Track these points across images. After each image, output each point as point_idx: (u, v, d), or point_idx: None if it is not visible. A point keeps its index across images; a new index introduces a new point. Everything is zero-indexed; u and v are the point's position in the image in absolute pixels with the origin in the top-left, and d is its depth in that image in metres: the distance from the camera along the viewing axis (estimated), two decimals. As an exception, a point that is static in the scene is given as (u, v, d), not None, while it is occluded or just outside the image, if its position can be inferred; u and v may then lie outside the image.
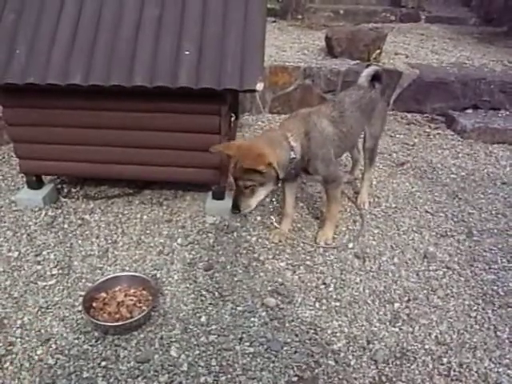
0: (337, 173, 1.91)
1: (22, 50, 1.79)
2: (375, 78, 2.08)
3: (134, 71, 1.73)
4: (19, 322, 1.56)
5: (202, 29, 1.80)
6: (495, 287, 1.76)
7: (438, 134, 3.10)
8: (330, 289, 1.72)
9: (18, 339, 1.50)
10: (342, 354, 1.46)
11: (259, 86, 1.70)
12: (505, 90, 3.21)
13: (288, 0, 4.91)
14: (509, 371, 1.42)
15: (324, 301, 1.67)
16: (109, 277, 1.69)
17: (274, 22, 4.75)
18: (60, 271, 1.78)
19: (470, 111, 3.25)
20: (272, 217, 2.10)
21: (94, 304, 1.60)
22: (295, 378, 1.38)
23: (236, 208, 1.66)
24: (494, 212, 2.23)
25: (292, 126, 1.77)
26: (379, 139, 2.23)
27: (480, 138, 2.99)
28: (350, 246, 1.96)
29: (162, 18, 1.83)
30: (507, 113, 3.23)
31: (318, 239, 1.96)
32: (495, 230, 2.09)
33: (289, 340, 1.50)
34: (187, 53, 1.74)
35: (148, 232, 2.01)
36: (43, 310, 1.61)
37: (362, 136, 2.17)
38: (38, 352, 1.45)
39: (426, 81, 3.23)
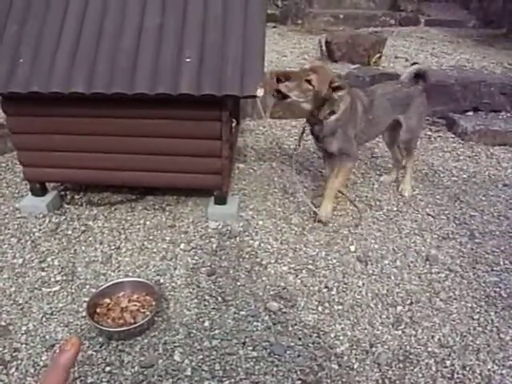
0: (351, 150, 2.05)
1: (26, 59, 1.82)
2: (419, 76, 2.23)
3: (136, 79, 1.75)
4: (24, 328, 1.57)
5: (203, 36, 1.82)
6: (498, 289, 1.76)
7: (439, 136, 3.10)
8: (333, 292, 1.73)
9: (23, 345, 1.51)
10: (345, 358, 1.47)
11: (260, 92, 1.71)
12: (505, 92, 3.22)
13: (288, 5, 4.95)
14: (512, 373, 1.42)
15: (327, 304, 1.67)
16: (112, 282, 1.70)
17: (274, 27, 4.79)
18: (64, 277, 1.80)
19: (470, 114, 3.26)
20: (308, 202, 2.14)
21: (98, 310, 1.61)
22: (299, 382, 1.38)
23: None
24: (495, 214, 2.23)
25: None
26: (417, 133, 2.38)
27: (481, 140, 3.00)
28: (353, 249, 1.96)
29: (163, 26, 1.85)
30: (508, 115, 3.24)
31: (319, 215, 2.09)
32: (497, 232, 2.09)
33: (292, 344, 1.51)
34: (188, 60, 1.76)
35: (151, 238, 2.02)
36: (48, 316, 1.62)
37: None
38: (43, 358, 1.46)
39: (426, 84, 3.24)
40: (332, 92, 1.86)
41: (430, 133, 3.15)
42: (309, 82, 1.86)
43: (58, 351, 0.53)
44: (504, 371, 1.43)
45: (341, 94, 1.88)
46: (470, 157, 2.83)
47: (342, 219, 2.16)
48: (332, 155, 2.12)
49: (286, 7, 4.96)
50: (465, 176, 2.59)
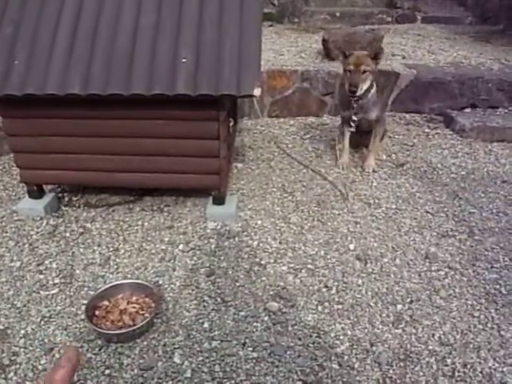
0: (384, 116, 2.62)
1: (21, 61, 1.80)
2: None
3: (132, 79, 1.74)
4: (22, 331, 1.56)
5: (199, 35, 1.81)
6: (498, 286, 1.75)
7: (437, 133, 3.10)
8: (333, 292, 1.72)
9: (22, 349, 1.50)
10: (346, 357, 1.46)
11: (257, 91, 1.70)
12: (502, 88, 3.22)
13: (284, 4, 4.94)
14: (513, 370, 1.42)
15: (326, 304, 1.67)
16: (111, 285, 1.69)
17: (271, 26, 4.77)
18: (62, 280, 1.79)
19: (468, 110, 3.25)
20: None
21: (97, 312, 1.60)
22: (299, 383, 1.37)
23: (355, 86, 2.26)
24: (494, 211, 2.22)
25: None
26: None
27: (479, 136, 2.99)
28: (352, 247, 1.96)
29: (158, 26, 1.84)
30: (506, 111, 3.23)
31: (366, 169, 2.56)
32: (496, 229, 2.09)
33: (292, 344, 1.50)
34: (184, 60, 1.75)
35: (149, 239, 2.01)
36: (46, 319, 1.61)
37: None
38: (42, 362, 1.45)
39: (424, 81, 3.24)
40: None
41: (427, 130, 3.14)
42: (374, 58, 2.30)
43: (52, 368, 0.46)
44: (505, 369, 1.43)
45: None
46: (468, 153, 2.82)
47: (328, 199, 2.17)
48: (370, 124, 2.51)
49: (282, 6, 4.95)
50: (463, 173, 2.58)
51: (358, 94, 2.29)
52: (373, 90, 2.39)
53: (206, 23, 1.82)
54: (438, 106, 3.30)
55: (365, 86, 2.30)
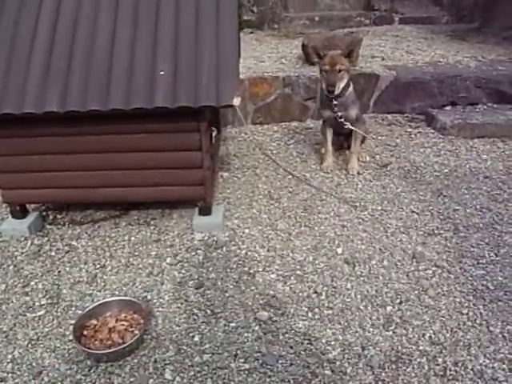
0: (362, 115, 2.70)
1: (-4, 80, 1.78)
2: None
3: (110, 94, 1.74)
4: (10, 356, 1.53)
5: (176, 47, 1.81)
6: (485, 282, 1.77)
7: (419, 132, 3.14)
8: (322, 297, 1.72)
9: (10, 374, 1.47)
10: (338, 363, 1.46)
11: (236, 101, 1.71)
12: (480, 85, 3.28)
13: (264, 11, 4.98)
14: (504, 366, 1.43)
15: (316, 310, 1.66)
16: (99, 303, 1.67)
17: (252, 33, 4.80)
18: (49, 301, 1.76)
19: (448, 108, 3.30)
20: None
21: (85, 332, 1.57)
22: (292, 391, 1.37)
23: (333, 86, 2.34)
24: (478, 207, 2.25)
25: None
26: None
27: (460, 133, 3.04)
28: (340, 251, 1.96)
29: (135, 39, 1.84)
30: (485, 107, 3.29)
31: (350, 171, 2.58)
32: (481, 225, 2.11)
33: (283, 353, 1.49)
34: (162, 73, 1.75)
35: (136, 254, 2.00)
36: (34, 342, 1.58)
37: None
38: (30, 386, 1.42)
39: (404, 81, 3.28)
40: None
41: (409, 129, 3.18)
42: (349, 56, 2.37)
43: None
44: (495, 364, 1.44)
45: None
46: (450, 151, 2.86)
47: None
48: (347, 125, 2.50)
49: (262, 12, 4.98)
50: (446, 170, 2.62)
51: (336, 92, 2.36)
52: (350, 89, 2.46)
53: (182, 34, 1.83)
54: (418, 106, 3.35)
55: (342, 85, 2.37)
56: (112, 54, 1.81)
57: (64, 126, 1.89)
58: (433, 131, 3.13)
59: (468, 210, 2.23)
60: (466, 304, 1.67)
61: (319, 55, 2.41)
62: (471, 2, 5.08)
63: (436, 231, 2.08)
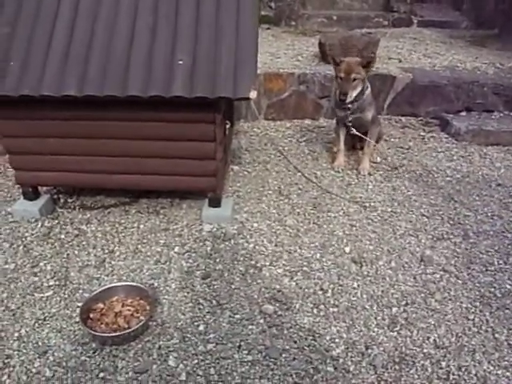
0: (378, 117, 2.68)
1: (17, 62, 1.80)
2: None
3: (128, 81, 1.74)
4: (16, 334, 1.55)
5: (195, 37, 1.81)
6: (492, 289, 1.76)
7: (433, 137, 3.11)
8: (328, 294, 1.72)
9: (16, 352, 1.49)
10: (341, 360, 1.46)
11: (252, 94, 1.70)
12: (497, 92, 3.24)
13: (282, 7, 4.95)
14: (508, 373, 1.42)
15: (322, 307, 1.67)
16: (106, 287, 1.68)
17: (268, 28, 4.78)
18: (57, 282, 1.78)
19: (463, 114, 3.27)
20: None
21: (92, 315, 1.59)
22: (294, 386, 1.37)
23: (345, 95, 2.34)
24: (489, 214, 2.24)
25: None
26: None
27: (474, 140, 3.01)
28: (347, 250, 1.96)
29: (155, 27, 1.84)
30: (501, 115, 3.25)
31: (362, 172, 2.57)
32: (491, 232, 2.10)
33: (287, 347, 1.50)
34: (180, 62, 1.75)
35: (145, 241, 2.01)
36: (40, 321, 1.60)
37: None
38: (36, 364, 1.44)
39: (420, 84, 3.26)
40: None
41: (423, 133, 3.15)
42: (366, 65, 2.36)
43: None
44: (499, 371, 1.43)
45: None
46: (463, 157, 2.84)
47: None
48: (365, 124, 2.52)
49: (279, 9, 4.96)
50: (458, 176, 2.60)
51: (348, 100, 2.37)
52: (367, 91, 2.45)
53: (202, 25, 1.83)
54: (433, 110, 3.32)
55: (354, 93, 2.37)
56: (131, 42, 1.81)
57: (80, 110, 1.90)
58: (447, 136, 3.10)
59: (479, 217, 2.21)
60: (473, 310, 1.66)
61: (335, 61, 2.40)
62: (492, 9, 5.01)
63: (445, 236, 2.07)
